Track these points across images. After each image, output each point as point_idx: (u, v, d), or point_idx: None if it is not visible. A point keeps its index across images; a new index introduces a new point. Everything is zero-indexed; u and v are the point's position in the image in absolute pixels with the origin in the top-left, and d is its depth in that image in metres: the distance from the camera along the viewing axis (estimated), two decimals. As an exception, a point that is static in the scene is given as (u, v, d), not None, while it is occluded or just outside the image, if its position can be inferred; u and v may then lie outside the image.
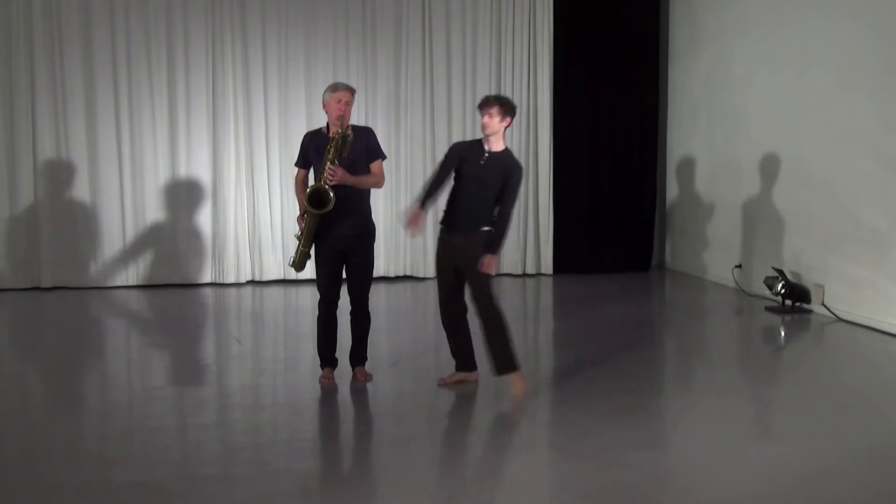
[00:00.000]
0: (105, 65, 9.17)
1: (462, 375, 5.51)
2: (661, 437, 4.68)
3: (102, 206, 9.27)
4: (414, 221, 5.19)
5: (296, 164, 5.65)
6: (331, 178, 5.21)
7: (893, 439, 4.58)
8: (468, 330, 5.49)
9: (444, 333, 5.54)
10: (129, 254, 9.35)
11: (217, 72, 9.40)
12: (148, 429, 4.78)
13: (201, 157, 9.44)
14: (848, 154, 7.28)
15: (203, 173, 9.45)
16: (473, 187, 5.21)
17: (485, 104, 5.25)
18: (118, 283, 9.32)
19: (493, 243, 5.20)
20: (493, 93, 5.27)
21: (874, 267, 7.02)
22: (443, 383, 5.47)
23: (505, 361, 5.27)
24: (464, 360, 5.52)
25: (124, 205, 9.31)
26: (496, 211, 5.24)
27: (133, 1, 9.17)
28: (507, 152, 5.30)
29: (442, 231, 5.40)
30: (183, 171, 9.41)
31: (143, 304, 8.60)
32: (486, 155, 5.24)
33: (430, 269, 9.88)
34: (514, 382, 5.29)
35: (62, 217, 9.18)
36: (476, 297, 5.31)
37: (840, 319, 7.38)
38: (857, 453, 4.42)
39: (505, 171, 5.21)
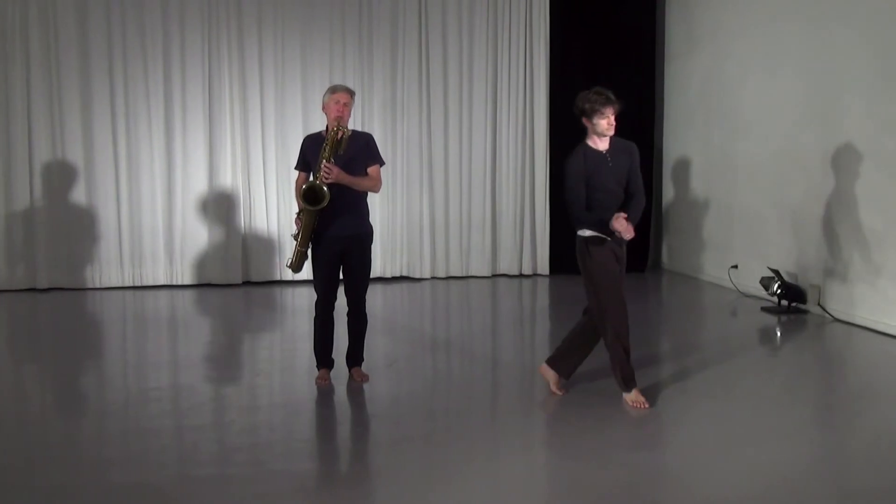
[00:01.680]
0: (101, 66, 9.17)
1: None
2: (657, 437, 4.69)
3: (99, 208, 9.28)
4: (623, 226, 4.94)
5: (296, 168, 5.65)
6: (326, 175, 5.21)
7: (888, 439, 4.59)
8: None
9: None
10: (125, 255, 9.35)
11: (213, 73, 9.40)
12: (145, 430, 4.77)
13: (198, 159, 9.44)
14: (843, 155, 7.29)
15: (199, 175, 9.45)
16: (615, 191, 5.04)
17: (610, 102, 4.95)
18: (114, 284, 9.32)
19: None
20: (606, 91, 4.94)
21: (870, 267, 7.03)
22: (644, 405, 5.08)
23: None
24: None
25: (120, 206, 9.31)
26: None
27: (129, 3, 9.18)
28: (615, 139, 5.08)
29: (607, 242, 5.05)
30: (179, 173, 9.41)
31: (139, 305, 8.60)
32: (607, 155, 5.04)
33: (426, 270, 9.89)
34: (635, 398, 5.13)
35: (58, 218, 9.18)
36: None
37: (836, 320, 7.39)
38: (853, 453, 4.44)
39: (630, 154, 5.07)
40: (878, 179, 6.89)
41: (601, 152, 5.03)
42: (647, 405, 5.01)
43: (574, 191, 5.02)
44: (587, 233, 5.04)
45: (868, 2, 7.00)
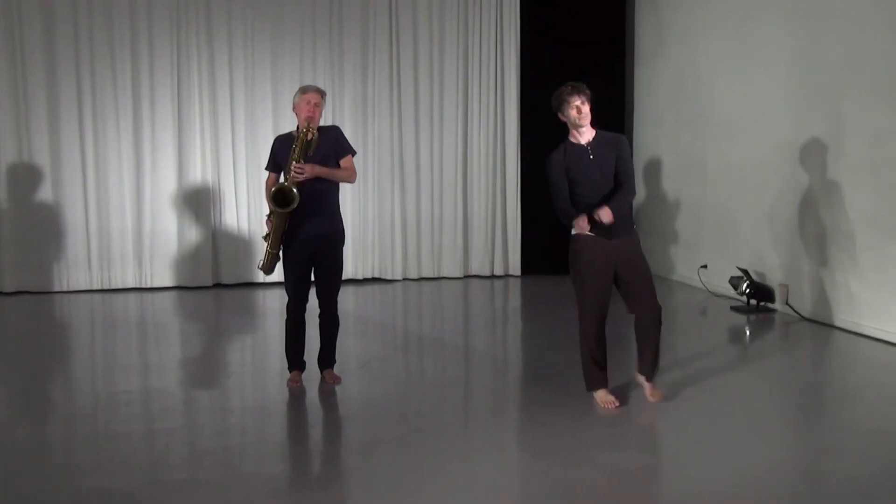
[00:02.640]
0: (68, 66, 9.06)
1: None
2: (630, 437, 4.71)
3: (66, 210, 9.17)
4: (584, 224, 4.93)
5: (266, 168, 5.62)
6: (298, 174, 5.19)
7: (859, 436, 4.65)
8: None
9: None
10: (93, 258, 9.25)
11: (182, 73, 9.33)
12: (115, 434, 4.73)
13: (167, 160, 9.36)
14: (811, 156, 7.37)
15: (169, 176, 9.37)
16: (600, 184, 4.98)
17: (576, 91, 4.94)
18: (82, 287, 9.22)
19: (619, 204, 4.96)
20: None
21: (837, 266, 7.11)
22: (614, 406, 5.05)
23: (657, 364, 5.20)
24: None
25: (88, 208, 9.21)
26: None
27: (97, 2, 9.08)
28: (600, 133, 5.04)
29: (593, 239, 5.00)
30: (148, 174, 9.33)
31: (107, 308, 8.51)
32: (588, 148, 5.00)
33: (398, 271, 9.88)
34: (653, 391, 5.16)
35: (25, 221, 9.06)
36: (652, 295, 5.12)
37: (804, 318, 7.47)
38: (825, 450, 4.49)
39: (615, 146, 5.01)
40: (845, 180, 6.98)
41: (582, 145, 5.02)
42: (616, 404, 5.04)
43: (556, 185, 5.04)
44: (574, 232, 5.06)
45: (838, 3, 7.08)
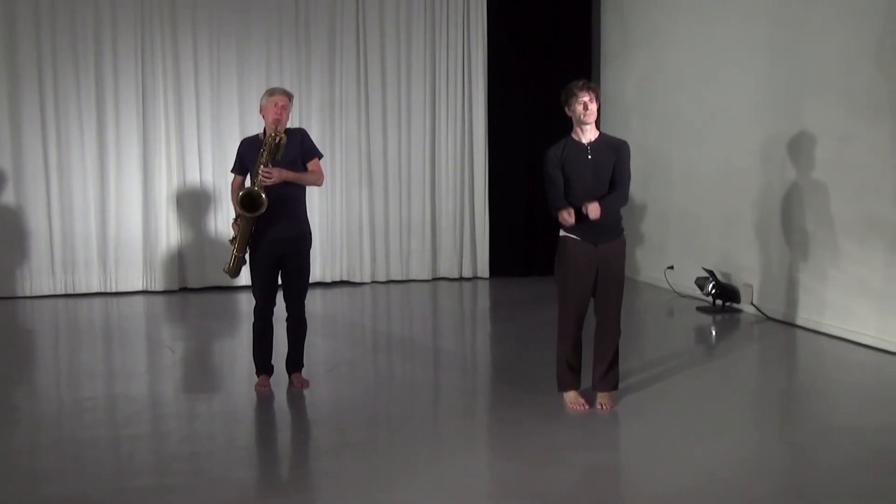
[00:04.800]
0: (30, 68, 8.92)
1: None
2: (600, 437, 4.73)
3: (28, 214, 9.03)
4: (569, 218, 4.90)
5: (232, 171, 5.60)
6: (266, 178, 5.17)
7: (820, 433, 4.71)
8: None
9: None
10: (56, 262, 9.13)
11: (147, 76, 9.22)
12: (80, 440, 4.67)
13: (131, 163, 9.25)
14: (774, 158, 7.46)
15: (133, 180, 9.26)
16: (592, 185, 4.96)
17: (586, 87, 4.92)
18: (45, 292, 9.08)
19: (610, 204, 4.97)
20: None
21: (800, 266, 7.20)
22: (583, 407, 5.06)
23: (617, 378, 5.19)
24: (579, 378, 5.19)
25: (51, 212, 9.07)
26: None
27: (59, 5, 8.95)
28: (605, 135, 5.04)
29: (579, 244, 5.02)
30: (113, 178, 9.21)
31: (71, 313, 8.40)
32: (588, 148, 4.99)
33: (366, 274, 9.85)
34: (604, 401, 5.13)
35: (-14, 225, 8.92)
36: (618, 307, 5.11)
37: (769, 318, 7.56)
38: (791, 448, 4.54)
39: (616, 151, 5.02)
40: (809, 182, 7.07)
41: (583, 144, 5.01)
42: (586, 406, 5.06)
43: (549, 175, 5.03)
44: (562, 233, 5.06)
45: (802, 7, 7.17)
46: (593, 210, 4.87)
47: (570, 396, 5.12)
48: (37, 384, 6.00)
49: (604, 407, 5.08)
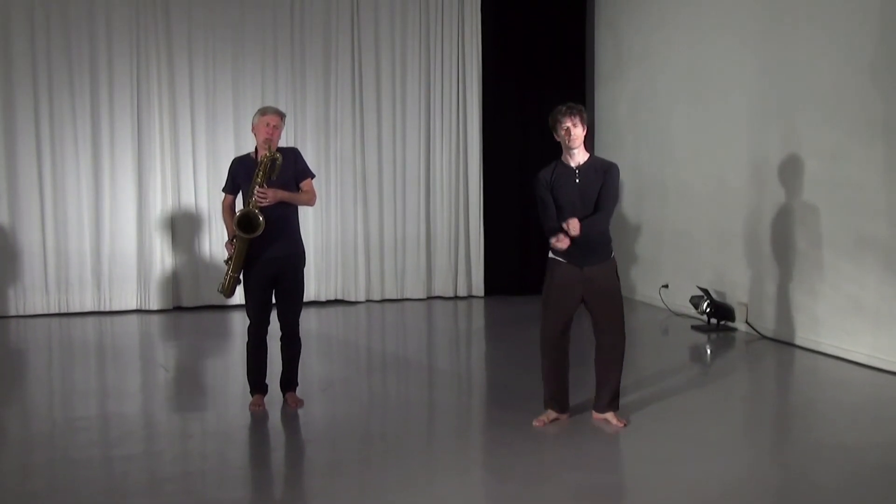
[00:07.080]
0: (25, 85, 8.92)
1: (561, 416, 5.20)
2: (594, 456, 4.72)
3: (22, 232, 9.01)
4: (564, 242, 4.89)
5: (223, 190, 5.60)
6: (261, 199, 5.17)
7: (815, 452, 4.70)
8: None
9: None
10: (50, 281, 9.10)
11: (142, 95, 9.23)
12: (72, 460, 4.64)
13: (126, 181, 9.25)
14: (768, 177, 7.48)
15: (128, 198, 9.26)
16: (580, 209, 4.95)
17: (569, 111, 4.92)
18: (39, 311, 9.06)
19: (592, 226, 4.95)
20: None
21: (794, 285, 7.21)
22: (541, 424, 5.11)
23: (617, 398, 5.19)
24: (565, 399, 5.21)
25: (45, 230, 9.06)
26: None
27: (54, 16, 8.96)
28: (595, 158, 5.04)
29: (565, 266, 5.02)
30: (107, 196, 9.20)
31: (65, 333, 8.37)
32: (577, 171, 4.98)
33: (361, 293, 9.84)
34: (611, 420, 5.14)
35: (-20, 244, 8.90)
36: (617, 329, 5.13)
37: (763, 337, 7.56)
38: (786, 467, 4.53)
39: (604, 173, 4.98)
40: (802, 200, 7.09)
41: (571, 167, 5.01)
42: (542, 423, 5.07)
43: (540, 198, 5.04)
44: (550, 255, 5.06)
45: (793, 27, 7.22)
46: (574, 227, 4.87)
47: (546, 413, 5.15)
48: (29, 404, 5.97)
49: (619, 424, 5.07)
